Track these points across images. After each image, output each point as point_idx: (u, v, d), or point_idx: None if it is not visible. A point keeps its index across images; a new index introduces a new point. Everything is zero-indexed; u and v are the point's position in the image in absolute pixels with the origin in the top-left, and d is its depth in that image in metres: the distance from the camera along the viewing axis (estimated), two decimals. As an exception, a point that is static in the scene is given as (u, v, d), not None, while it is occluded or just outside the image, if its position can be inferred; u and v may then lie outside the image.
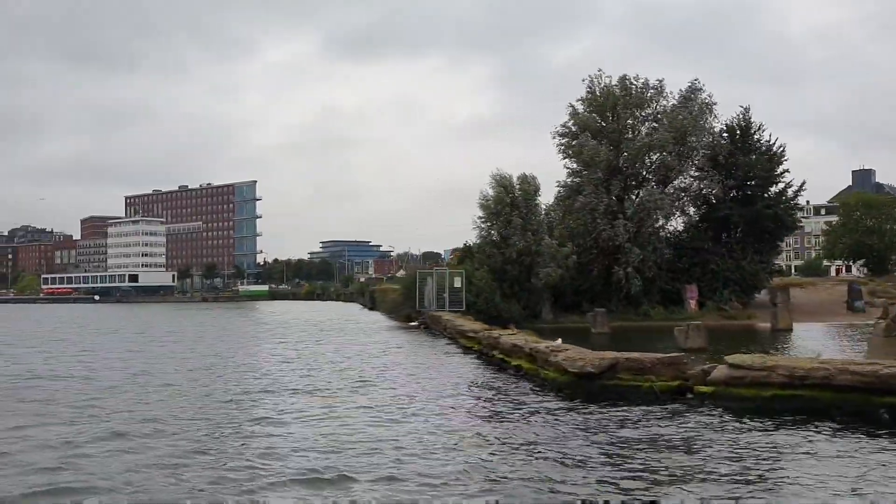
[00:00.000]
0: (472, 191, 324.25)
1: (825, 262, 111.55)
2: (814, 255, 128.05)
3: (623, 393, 15.46)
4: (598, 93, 47.64)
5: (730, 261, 47.05)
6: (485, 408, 15.18)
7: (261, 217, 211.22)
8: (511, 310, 40.83)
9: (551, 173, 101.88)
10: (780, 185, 48.63)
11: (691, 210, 49.94)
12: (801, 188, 49.04)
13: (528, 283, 42.80)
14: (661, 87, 47.31)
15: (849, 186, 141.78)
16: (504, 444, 11.70)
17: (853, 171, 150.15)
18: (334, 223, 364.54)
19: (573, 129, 47.56)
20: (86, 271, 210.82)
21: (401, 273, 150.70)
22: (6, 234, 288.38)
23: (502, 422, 13.59)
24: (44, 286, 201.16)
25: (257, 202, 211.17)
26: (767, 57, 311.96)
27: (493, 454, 10.96)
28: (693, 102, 47.39)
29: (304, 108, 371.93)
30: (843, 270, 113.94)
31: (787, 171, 48.41)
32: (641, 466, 10.03)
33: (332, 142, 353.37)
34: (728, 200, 48.23)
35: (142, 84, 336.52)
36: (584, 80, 47.81)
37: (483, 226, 45.05)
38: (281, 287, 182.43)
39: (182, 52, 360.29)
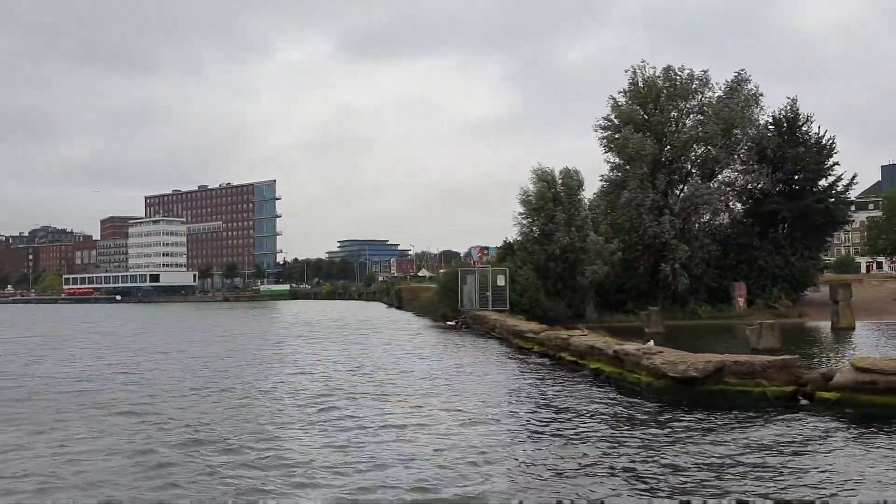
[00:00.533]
0: (483, 190, 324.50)
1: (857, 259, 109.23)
2: (843, 252, 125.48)
3: (731, 399, 14.16)
4: (640, 84, 46.21)
5: (778, 257, 45.53)
6: (580, 414, 13.92)
7: (280, 216, 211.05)
8: (556, 308, 39.56)
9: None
10: (830, 179, 46.99)
11: (737, 205, 48.38)
12: (852, 181, 47.46)
13: (573, 280, 41.48)
14: (706, 78, 45.84)
15: (878, 182, 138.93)
16: (612, 454, 10.48)
17: (882, 167, 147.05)
18: (351, 223, 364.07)
19: (615, 121, 46.15)
20: (107, 271, 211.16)
21: (423, 272, 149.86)
22: (27, 234, 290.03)
23: (605, 431, 12.33)
24: (65, 286, 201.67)
25: (277, 201, 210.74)
26: (783, 52, 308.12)
27: (603, 464, 9.74)
28: (739, 94, 45.83)
29: (319, 109, 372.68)
30: (874, 267, 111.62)
31: (836, 163, 46.82)
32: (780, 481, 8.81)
33: (347, 141, 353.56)
34: (775, 194, 46.64)
35: (159, 85, 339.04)
36: (626, 72, 46.53)
37: (524, 222, 43.80)
38: (301, 286, 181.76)
39: (198, 53, 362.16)
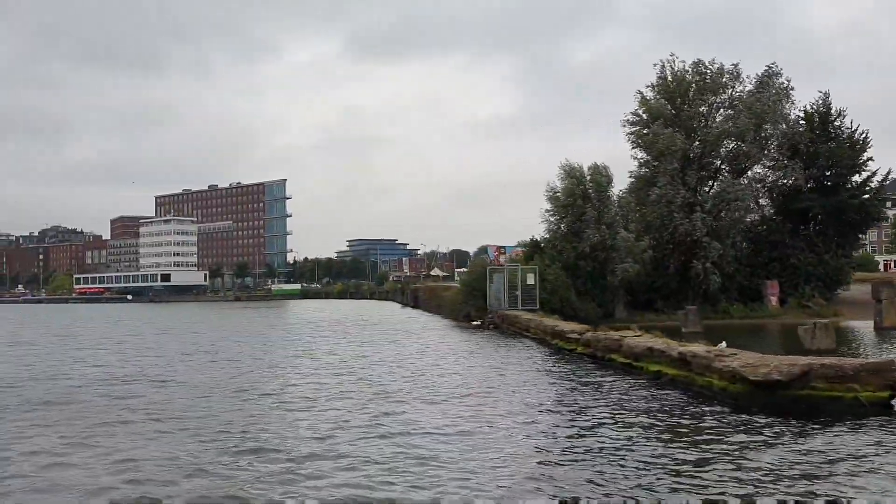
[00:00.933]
0: (491, 189, 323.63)
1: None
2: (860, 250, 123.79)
3: (819, 405, 13.17)
4: (669, 78, 45.20)
5: (811, 255, 44.45)
6: (655, 420, 12.96)
7: (291, 216, 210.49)
8: (586, 308, 38.57)
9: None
10: (864, 175, 45.85)
11: (766, 201, 47.28)
12: (887, 176, 46.27)
13: (602, 279, 40.49)
14: (736, 71, 44.78)
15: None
16: (703, 465, 9.54)
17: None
18: (359, 222, 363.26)
19: (644, 116, 45.14)
20: (118, 271, 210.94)
21: (436, 271, 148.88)
22: (37, 234, 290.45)
23: (688, 438, 11.38)
24: (76, 286, 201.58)
25: (287, 201, 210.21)
26: (791, 51, 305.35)
27: (697, 472, 8.79)
28: (769, 88, 44.74)
29: (326, 109, 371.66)
30: (892, 265, 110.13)
31: (871, 158, 45.62)
32: None
33: (354, 141, 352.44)
34: (807, 191, 45.56)
35: (168, 86, 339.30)
36: (655, 66, 45.57)
37: (551, 219, 42.79)
38: (312, 286, 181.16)
39: (207, 54, 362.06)
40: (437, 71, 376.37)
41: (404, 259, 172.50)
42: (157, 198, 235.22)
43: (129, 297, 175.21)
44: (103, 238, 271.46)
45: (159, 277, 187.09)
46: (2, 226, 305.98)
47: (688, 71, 44.75)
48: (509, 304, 37.95)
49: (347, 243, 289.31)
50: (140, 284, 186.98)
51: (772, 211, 47.11)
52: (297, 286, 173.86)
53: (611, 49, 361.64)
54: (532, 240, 44.78)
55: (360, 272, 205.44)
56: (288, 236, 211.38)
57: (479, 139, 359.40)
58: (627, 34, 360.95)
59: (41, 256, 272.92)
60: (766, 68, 45.26)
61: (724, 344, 16.55)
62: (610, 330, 23.58)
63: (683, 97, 45.11)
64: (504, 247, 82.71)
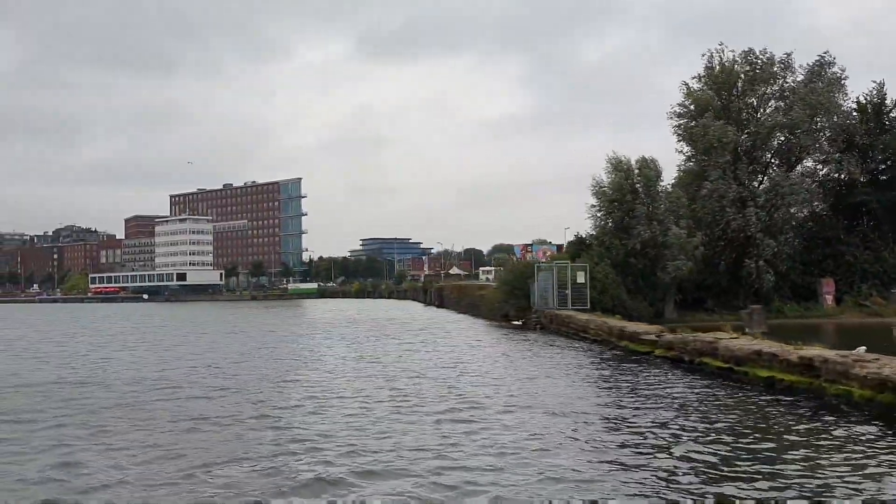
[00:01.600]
0: (501, 188, 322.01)
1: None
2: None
3: None
4: (717, 69, 43.41)
5: (866, 252, 42.61)
6: (795, 437, 11.33)
7: (306, 214, 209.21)
8: (638, 307, 36.89)
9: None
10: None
11: (818, 196, 45.38)
12: (947, 169, 44.32)
13: (653, 277, 38.81)
14: (788, 61, 42.91)
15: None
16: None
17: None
18: (369, 222, 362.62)
19: (691, 108, 43.40)
20: (133, 270, 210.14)
21: (454, 270, 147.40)
22: (51, 234, 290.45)
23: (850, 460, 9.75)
24: (91, 286, 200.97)
25: (302, 199, 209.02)
26: (798, 49, 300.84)
27: None
28: (821, 78, 42.90)
29: (337, 109, 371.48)
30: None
31: (930, 150, 43.64)
32: None
33: (365, 141, 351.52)
34: (861, 185, 43.69)
35: (179, 87, 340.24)
36: (703, 56, 43.75)
37: (598, 215, 41.13)
38: (329, 285, 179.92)
39: (218, 54, 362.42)
40: (446, 71, 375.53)
41: (423, 258, 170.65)
42: (171, 197, 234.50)
43: (145, 296, 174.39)
44: (117, 237, 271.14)
45: (175, 277, 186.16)
46: (16, 225, 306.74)
47: (737, 61, 42.97)
48: (558, 303, 36.27)
49: (361, 242, 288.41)
50: (156, 284, 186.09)
51: (824, 206, 45.18)
52: (314, 285, 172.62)
53: (623, 48, 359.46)
54: (577, 236, 43.19)
55: (375, 271, 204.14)
56: (303, 235, 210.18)
57: (490, 138, 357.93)
58: (640, 34, 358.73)
59: (55, 256, 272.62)
60: (818, 58, 43.44)
61: (862, 349, 14.85)
62: (672, 331, 21.96)
63: (732, 88, 43.34)
64: (531, 245, 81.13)
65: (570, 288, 36.20)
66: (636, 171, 40.32)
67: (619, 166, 40.37)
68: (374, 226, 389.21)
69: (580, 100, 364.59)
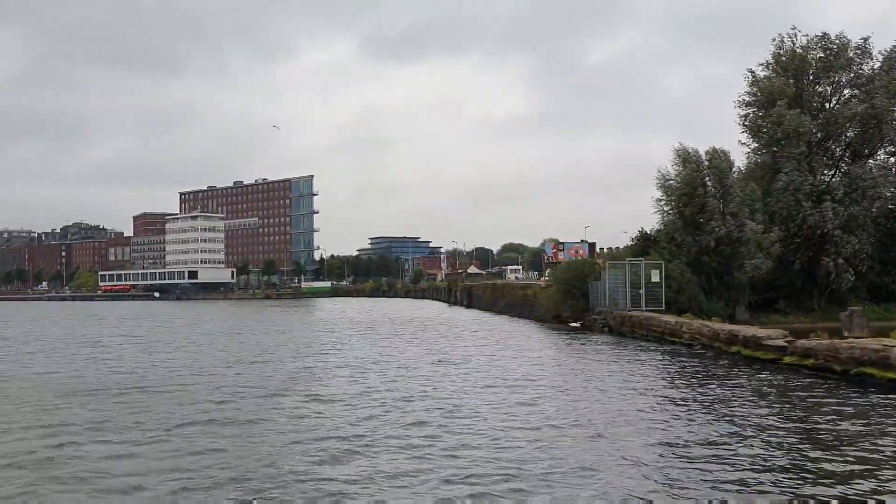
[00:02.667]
0: (508, 188, 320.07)
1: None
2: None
3: None
4: (787, 55, 40.83)
5: (947, 250, 40.08)
6: None
7: (318, 212, 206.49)
8: (714, 308, 34.34)
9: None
10: None
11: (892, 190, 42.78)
12: None
13: (727, 276, 36.28)
14: (865, 47, 40.29)
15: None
16: None
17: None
18: (378, 221, 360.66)
19: (759, 97, 40.82)
20: (143, 268, 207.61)
21: (472, 269, 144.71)
22: (59, 231, 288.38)
23: None
24: (101, 283, 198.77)
25: (314, 197, 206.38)
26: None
27: None
28: (900, 64, 40.28)
29: (344, 109, 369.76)
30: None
31: None
32: None
33: (373, 141, 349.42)
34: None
35: (187, 87, 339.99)
36: (773, 41, 41.13)
37: (665, 209, 38.57)
38: (342, 283, 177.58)
39: (226, 55, 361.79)
40: (454, 71, 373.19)
41: (441, 256, 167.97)
42: (181, 194, 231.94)
43: (157, 294, 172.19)
44: (125, 235, 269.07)
45: (186, 275, 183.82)
46: (23, 223, 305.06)
47: (811, 47, 40.40)
48: (631, 303, 33.75)
49: (370, 241, 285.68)
50: (167, 282, 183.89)
51: (898, 201, 42.57)
52: (327, 284, 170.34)
53: (628, 48, 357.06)
54: (641, 232, 40.56)
55: (387, 270, 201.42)
56: (315, 233, 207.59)
57: (495, 138, 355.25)
58: (646, 32, 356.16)
59: (64, 253, 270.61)
60: (896, 44, 40.83)
61: None
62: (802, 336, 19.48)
63: (803, 76, 40.79)
64: (563, 243, 78.67)
65: (643, 287, 33.70)
66: (706, 162, 37.79)
67: (688, 158, 37.84)
68: (381, 225, 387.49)
69: (585, 100, 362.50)
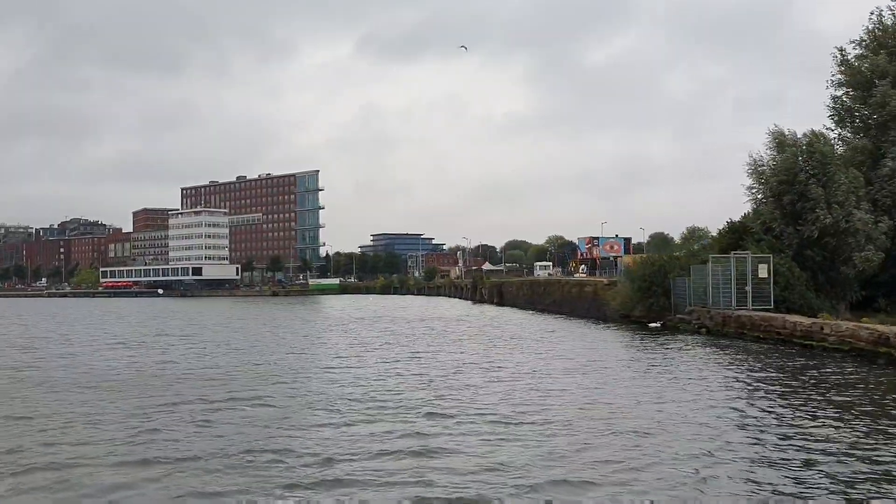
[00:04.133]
0: (510, 186, 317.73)
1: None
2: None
3: None
4: (884, 31, 37.42)
5: None
6: None
7: (323, 208, 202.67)
8: (823, 307, 30.93)
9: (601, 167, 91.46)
10: None
11: None
12: None
13: (833, 271, 32.91)
14: (972, 21, 36.92)
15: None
16: None
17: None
18: (380, 218, 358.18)
19: (858, 76, 37.38)
20: (145, 264, 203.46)
21: (486, 265, 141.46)
22: (57, 227, 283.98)
23: None
24: (102, 280, 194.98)
25: (319, 193, 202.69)
26: (805, 51, 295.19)
27: None
28: None
29: (345, 108, 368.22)
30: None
31: None
32: None
33: (374, 140, 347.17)
34: None
35: (188, 87, 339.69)
36: (871, 14, 37.66)
37: (759, 197, 35.15)
38: (350, 280, 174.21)
39: (227, 54, 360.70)
40: (455, 70, 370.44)
41: (458, 253, 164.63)
42: (182, 190, 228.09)
43: (160, 291, 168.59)
44: (125, 231, 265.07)
45: (190, 271, 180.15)
46: (20, 219, 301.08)
47: (914, 19, 37.00)
48: (737, 301, 30.33)
49: (371, 238, 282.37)
50: (170, 278, 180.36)
51: None
52: (335, 281, 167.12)
53: (630, 49, 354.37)
54: (730, 222, 37.09)
55: (393, 267, 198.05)
56: (320, 229, 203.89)
57: (497, 137, 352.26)
58: (649, 33, 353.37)
59: (62, 249, 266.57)
60: None
61: None
62: None
63: (901, 53, 37.36)
64: (597, 238, 75.42)
65: (749, 283, 30.28)
66: (805, 147, 34.35)
67: (784, 142, 34.40)
68: (383, 222, 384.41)
69: (587, 100, 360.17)
